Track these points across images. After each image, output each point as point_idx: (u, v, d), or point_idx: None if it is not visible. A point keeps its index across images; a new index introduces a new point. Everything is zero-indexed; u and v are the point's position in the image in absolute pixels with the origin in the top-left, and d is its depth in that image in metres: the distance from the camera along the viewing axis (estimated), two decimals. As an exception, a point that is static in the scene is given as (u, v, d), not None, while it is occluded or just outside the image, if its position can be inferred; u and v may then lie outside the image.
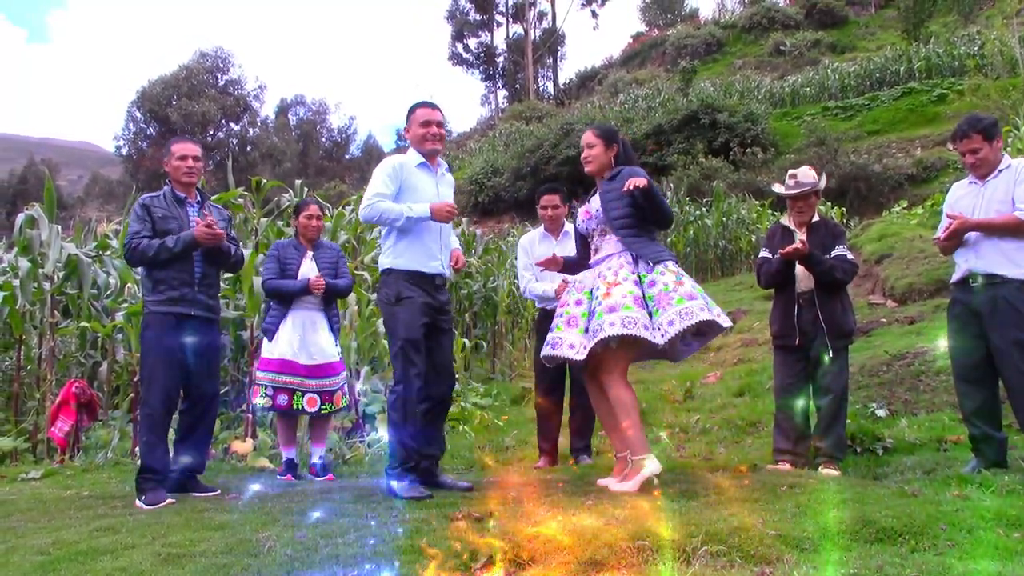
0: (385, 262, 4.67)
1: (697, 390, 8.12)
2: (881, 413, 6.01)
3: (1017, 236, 4.49)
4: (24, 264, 7.42)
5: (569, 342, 4.36)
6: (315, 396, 5.73)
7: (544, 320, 5.82)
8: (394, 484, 4.40)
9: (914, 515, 3.32)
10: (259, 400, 5.74)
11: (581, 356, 4.30)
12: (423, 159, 4.76)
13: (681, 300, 4.23)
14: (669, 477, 4.74)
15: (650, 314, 4.28)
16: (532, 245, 6.06)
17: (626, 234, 4.46)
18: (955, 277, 4.82)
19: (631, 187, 4.25)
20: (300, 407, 5.71)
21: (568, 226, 5.89)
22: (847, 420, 5.23)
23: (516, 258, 6.23)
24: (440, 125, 4.77)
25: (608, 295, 4.31)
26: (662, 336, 4.19)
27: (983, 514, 3.40)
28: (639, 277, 4.38)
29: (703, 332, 4.53)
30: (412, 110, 4.80)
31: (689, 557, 2.86)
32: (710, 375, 8.92)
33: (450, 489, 4.50)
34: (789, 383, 5.20)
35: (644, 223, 4.48)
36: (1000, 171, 4.63)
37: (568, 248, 5.68)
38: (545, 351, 4.51)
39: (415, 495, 4.29)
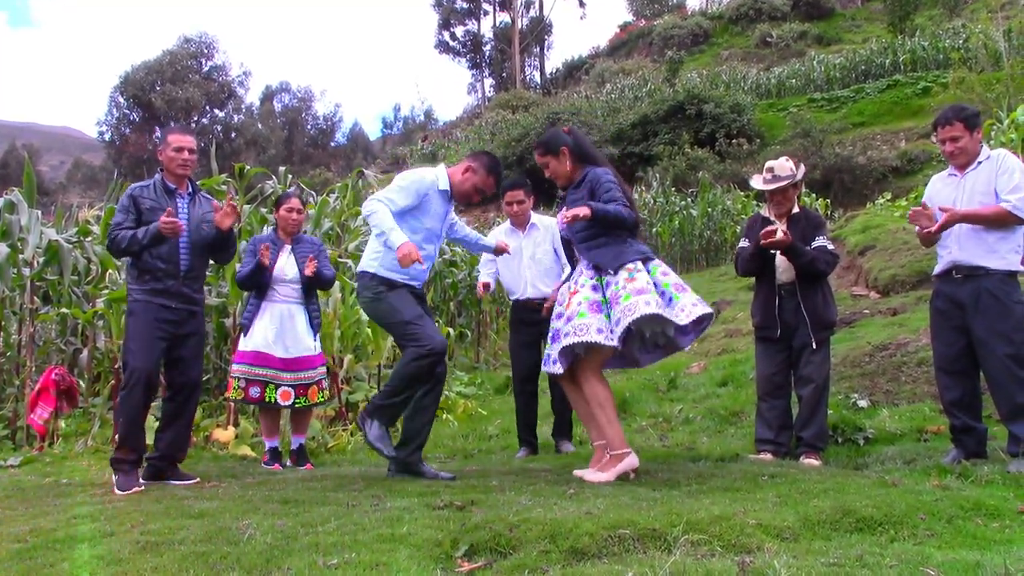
0: (371, 266, 4.66)
1: (681, 380, 8.14)
2: (863, 403, 6.04)
3: (1002, 227, 4.52)
4: (3, 249, 7.32)
5: (553, 358, 4.51)
6: (289, 389, 5.65)
7: (516, 311, 5.99)
8: (368, 423, 4.55)
9: (894, 505, 3.34)
10: (232, 392, 5.71)
11: (560, 370, 4.46)
12: (448, 190, 4.79)
13: (628, 297, 4.26)
14: (651, 467, 4.76)
15: (609, 315, 4.34)
16: (499, 239, 6.09)
17: (588, 246, 4.49)
18: (938, 269, 4.84)
19: (566, 220, 4.31)
20: (273, 400, 5.64)
21: (535, 218, 5.94)
22: (829, 410, 5.25)
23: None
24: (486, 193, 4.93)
25: (568, 305, 4.43)
26: (615, 336, 4.25)
27: (962, 504, 3.43)
28: (599, 281, 4.42)
29: (667, 345, 4.67)
30: (491, 170, 4.82)
31: (670, 546, 2.86)
32: (694, 365, 8.94)
33: (432, 479, 4.50)
34: (771, 373, 5.21)
35: (609, 228, 4.45)
36: (980, 163, 4.65)
37: (535, 240, 5.85)
38: (543, 368, 4.71)
39: (381, 449, 4.51)
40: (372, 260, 4.68)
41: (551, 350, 4.56)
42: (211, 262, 5.31)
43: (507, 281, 5.99)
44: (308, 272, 5.66)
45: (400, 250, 4.34)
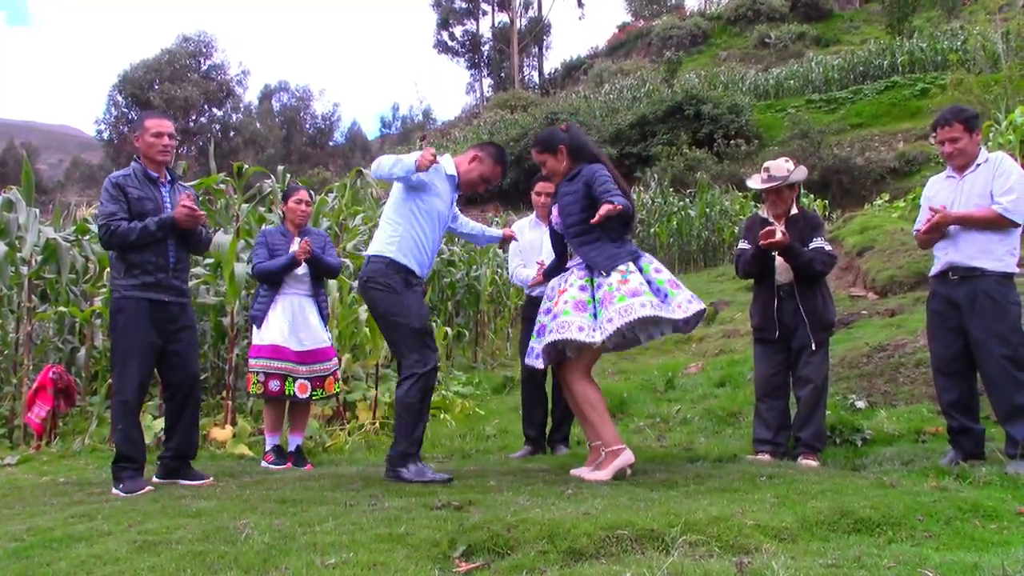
0: (387, 251, 4.61)
1: (678, 380, 8.13)
2: (860, 404, 6.04)
3: (996, 229, 4.53)
4: (1, 248, 7.31)
5: (537, 352, 4.57)
6: (306, 382, 5.68)
7: (530, 307, 5.86)
8: (403, 471, 4.42)
9: (892, 506, 3.34)
10: (252, 388, 5.69)
11: (540, 365, 4.56)
12: (455, 175, 4.82)
13: (623, 298, 4.28)
14: (649, 467, 4.76)
15: (596, 315, 4.35)
16: (523, 231, 6.09)
17: (581, 241, 4.48)
18: (934, 270, 4.84)
19: (603, 217, 4.18)
20: (291, 393, 5.65)
21: None
22: (827, 411, 5.25)
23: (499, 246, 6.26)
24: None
25: (556, 303, 4.46)
26: (602, 334, 4.25)
27: (960, 505, 3.42)
28: (587, 282, 4.44)
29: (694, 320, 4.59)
30: (497, 159, 4.84)
31: (668, 546, 2.86)
32: (692, 365, 8.94)
33: (429, 482, 4.47)
34: (770, 374, 5.21)
35: (603, 225, 4.39)
36: (978, 165, 4.66)
37: None
38: (525, 360, 4.76)
39: (431, 479, 4.35)
40: (388, 245, 4.62)
41: (535, 343, 4.59)
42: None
43: (525, 276, 5.96)
44: (299, 255, 5.62)
45: (421, 157, 4.38)
